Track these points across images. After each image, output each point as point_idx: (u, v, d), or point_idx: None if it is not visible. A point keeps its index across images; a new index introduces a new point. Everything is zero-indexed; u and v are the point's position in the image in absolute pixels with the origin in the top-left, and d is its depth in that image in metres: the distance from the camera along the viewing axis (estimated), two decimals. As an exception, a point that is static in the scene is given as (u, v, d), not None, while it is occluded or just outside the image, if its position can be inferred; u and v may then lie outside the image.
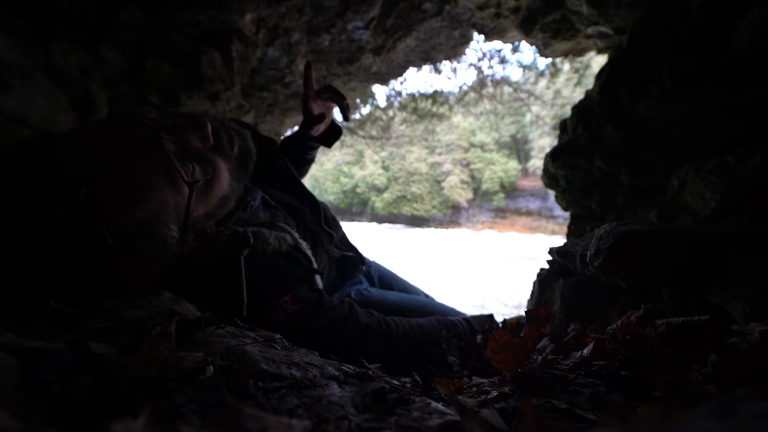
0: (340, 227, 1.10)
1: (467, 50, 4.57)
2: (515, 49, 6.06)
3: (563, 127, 1.88)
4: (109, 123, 0.58)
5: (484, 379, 0.51)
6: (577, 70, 6.31)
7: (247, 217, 0.79)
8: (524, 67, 8.12)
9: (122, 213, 0.51)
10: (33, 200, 0.47)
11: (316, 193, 1.21)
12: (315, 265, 0.83)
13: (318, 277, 0.82)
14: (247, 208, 0.81)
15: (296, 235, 0.82)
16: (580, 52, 2.83)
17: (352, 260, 1.09)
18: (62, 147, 0.51)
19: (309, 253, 0.83)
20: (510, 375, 0.45)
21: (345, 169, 33.45)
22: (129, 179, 0.52)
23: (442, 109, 8.27)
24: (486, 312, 1.13)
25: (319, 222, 0.97)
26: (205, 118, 0.66)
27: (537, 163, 25.58)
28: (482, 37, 3.68)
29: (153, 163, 0.54)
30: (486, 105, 9.28)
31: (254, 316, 0.63)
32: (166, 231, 0.55)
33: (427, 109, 8.05)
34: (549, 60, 5.94)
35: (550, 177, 1.82)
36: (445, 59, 4.59)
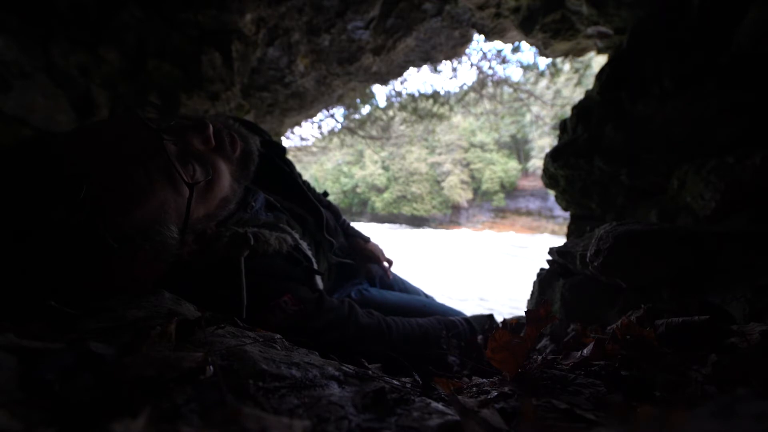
0: (342, 235, 1.11)
1: (467, 50, 4.57)
2: (515, 49, 6.05)
3: (563, 127, 1.88)
4: (110, 124, 0.57)
5: (484, 379, 0.51)
6: (577, 70, 6.30)
7: (247, 218, 0.79)
8: (524, 68, 8.11)
9: (122, 213, 0.51)
10: (32, 199, 0.47)
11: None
12: (315, 266, 0.83)
13: (318, 278, 0.82)
14: (248, 209, 0.81)
15: (296, 236, 0.82)
16: (580, 52, 2.83)
17: (351, 266, 1.10)
18: (63, 147, 0.51)
19: (309, 253, 0.83)
20: (510, 375, 0.45)
21: (345, 169, 33.43)
22: (129, 180, 0.52)
23: (442, 109, 8.26)
24: (486, 311, 1.13)
25: (321, 230, 0.97)
26: (207, 119, 0.66)
27: (537, 163, 25.58)
28: (482, 37, 3.68)
29: (154, 165, 0.54)
30: (486, 105, 9.27)
31: (255, 316, 0.63)
32: (166, 232, 0.55)
33: (427, 109, 8.05)
34: (549, 60, 5.94)
35: (550, 177, 1.82)
36: (445, 59, 4.59)
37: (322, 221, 0.97)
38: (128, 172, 0.52)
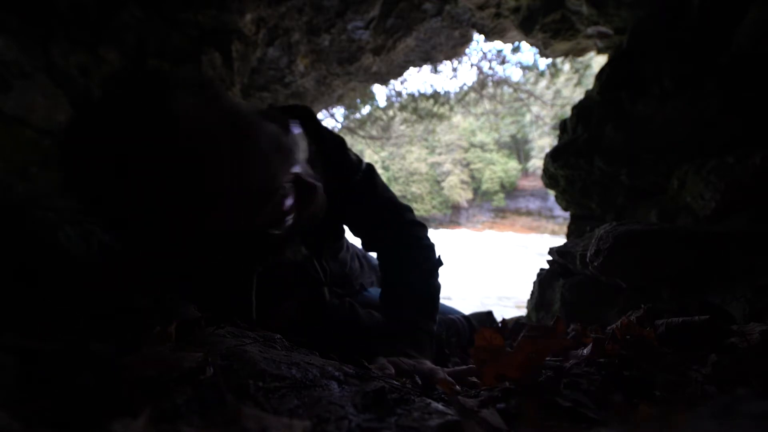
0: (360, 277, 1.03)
1: (467, 50, 4.57)
2: (515, 50, 6.05)
3: (563, 127, 1.88)
4: (272, 137, 0.52)
5: (484, 379, 0.50)
6: (577, 70, 6.31)
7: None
8: (524, 68, 8.12)
9: (202, 222, 0.48)
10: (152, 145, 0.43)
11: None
12: (322, 276, 0.82)
13: (325, 289, 0.82)
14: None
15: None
16: (580, 52, 2.83)
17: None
18: (201, 123, 0.47)
19: (316, 264, 0.82)
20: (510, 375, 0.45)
21: (345, 169, 33.32)
22: (240, 205, 0.49)
23: (443, 109, 8.27)
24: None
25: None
26: (315, 182, 0.60)
27: (537, 163, 25.55)
28: (482, 37, 3.68)
29: (265, 205, 0.51)
30: (486, 105, 9.28)
31: (260, 318, 0.63)
32: (204, 248, 0.53)
33: (427, 109, 8.05)
34: (549, 60, 5.94)
35: (550, 177, 1.82)
36: (445, 59, 4.59)
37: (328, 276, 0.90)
38: (245, 198, 0.49)
